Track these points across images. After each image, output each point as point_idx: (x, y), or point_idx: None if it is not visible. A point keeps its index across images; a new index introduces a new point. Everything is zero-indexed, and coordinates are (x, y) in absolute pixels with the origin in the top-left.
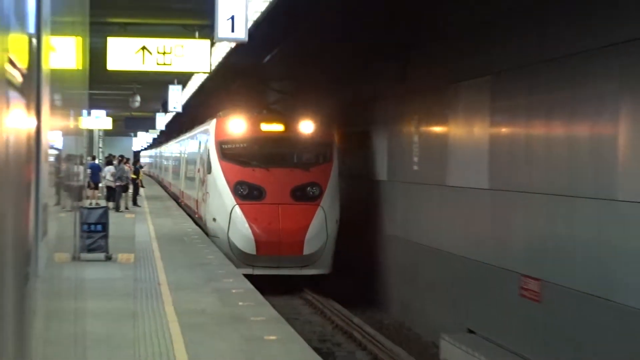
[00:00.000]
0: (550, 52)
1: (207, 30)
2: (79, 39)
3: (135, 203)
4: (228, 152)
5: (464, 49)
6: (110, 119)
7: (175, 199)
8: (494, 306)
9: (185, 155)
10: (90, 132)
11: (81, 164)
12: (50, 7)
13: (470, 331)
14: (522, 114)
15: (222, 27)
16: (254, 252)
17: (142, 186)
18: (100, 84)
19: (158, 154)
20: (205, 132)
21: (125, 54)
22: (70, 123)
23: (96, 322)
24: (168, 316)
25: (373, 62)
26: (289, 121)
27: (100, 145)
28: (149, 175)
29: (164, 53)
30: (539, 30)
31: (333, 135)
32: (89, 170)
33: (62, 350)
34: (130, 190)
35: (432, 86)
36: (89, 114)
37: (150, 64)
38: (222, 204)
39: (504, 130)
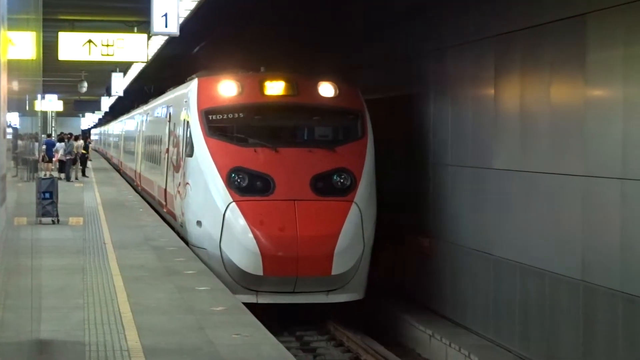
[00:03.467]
0: (432, 45)
1: (144, 26)
2: (34, 33)
3: (84, 174)
4: (217, 125)
5: (363, 41)
6: (61, 102)
7: (130, 182)
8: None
9: (145, 131)
10: (44, 113)
11: (36, 140)
12: (6, 6)
13: None
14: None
15: (157, 23)
16: (260, 272)
17: (90, 159)
18: (53, 72)
19: (109, 131)
20: (181, 98)
21: (74, 46)
22: (27, 105)
23: (50, 276)
24: (112, 270)
25: (286, 54)
26: (302, 82)
27: (53, 124)
28: (96, 151)
29: (107, 45)
30: (422, 27)
31: (363, 101)
32: (44, 146)
33: (20, 300)
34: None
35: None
36: (43, 97)
37: (95, 55)
38: (211, 200)
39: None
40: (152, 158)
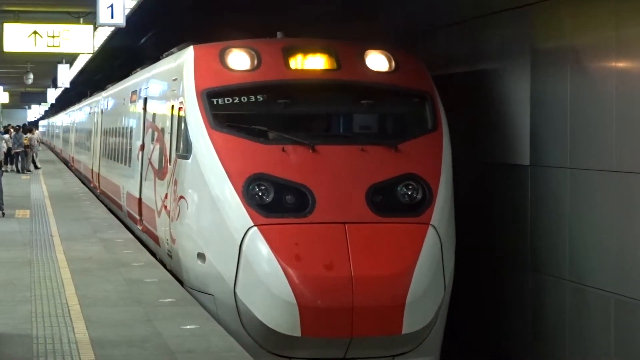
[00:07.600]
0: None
1: (90, 17)
2: None
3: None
4: (226, 113)
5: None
6: (7, 94)
7: (85, 182)
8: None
9: (105, 122)
10: None
11: None
12: None
13: None
14: None
15: (103, 14)
16: (297, 332)
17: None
18: None
19: (57, 123)
20: (165, 77)
21: (20, 37)
22: None
23: None
24: (60, 263)
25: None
26: (343, 50)
27: None
28: (43, 143)
29: (53, 37)
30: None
31: (431, 79)
32: None
33: None
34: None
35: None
36: None
37: (41, 46)
38: (220, 224)
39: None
40: (117, 156)
